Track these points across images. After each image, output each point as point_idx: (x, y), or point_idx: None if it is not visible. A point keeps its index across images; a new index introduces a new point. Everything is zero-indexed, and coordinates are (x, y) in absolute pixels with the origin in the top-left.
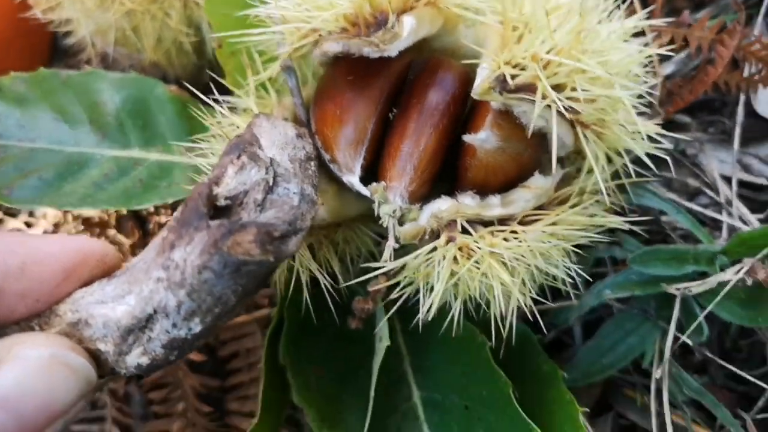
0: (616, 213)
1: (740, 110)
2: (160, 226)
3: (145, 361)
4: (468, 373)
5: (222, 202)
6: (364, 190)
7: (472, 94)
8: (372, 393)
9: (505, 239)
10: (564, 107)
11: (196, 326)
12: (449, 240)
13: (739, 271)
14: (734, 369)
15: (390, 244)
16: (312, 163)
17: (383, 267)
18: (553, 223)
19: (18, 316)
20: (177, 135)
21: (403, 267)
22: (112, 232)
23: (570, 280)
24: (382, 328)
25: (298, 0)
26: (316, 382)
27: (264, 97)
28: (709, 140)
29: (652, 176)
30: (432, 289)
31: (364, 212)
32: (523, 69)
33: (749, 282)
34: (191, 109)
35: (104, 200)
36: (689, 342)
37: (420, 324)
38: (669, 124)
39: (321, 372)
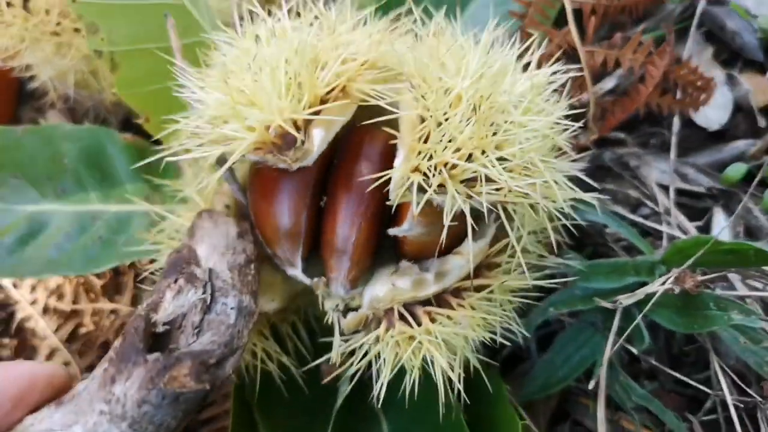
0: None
1: (676, 122)
2: (130, 266)
3: None
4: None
5: (161, 329)
6: (308, 281)
7: (390, 202)
8: None
9: (441, 323)
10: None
11: None
12: (388, 328)
13: (665, 282)
14: (678, 375)
15: (336, 341)
16: (252, 267)
17: (334, 353)
18: (484, 297)
19: None
20: (135, 182)
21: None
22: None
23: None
24: (343, 383)
25: (209, 117)
26: (285, 420)
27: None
28: (650, 152)
29: (596, 191)
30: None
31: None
32: (433, 174)
33: (677, 291)
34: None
35: (65, 264)
36: (634, 350)
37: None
38: (604, 140)
39: (290, 410)
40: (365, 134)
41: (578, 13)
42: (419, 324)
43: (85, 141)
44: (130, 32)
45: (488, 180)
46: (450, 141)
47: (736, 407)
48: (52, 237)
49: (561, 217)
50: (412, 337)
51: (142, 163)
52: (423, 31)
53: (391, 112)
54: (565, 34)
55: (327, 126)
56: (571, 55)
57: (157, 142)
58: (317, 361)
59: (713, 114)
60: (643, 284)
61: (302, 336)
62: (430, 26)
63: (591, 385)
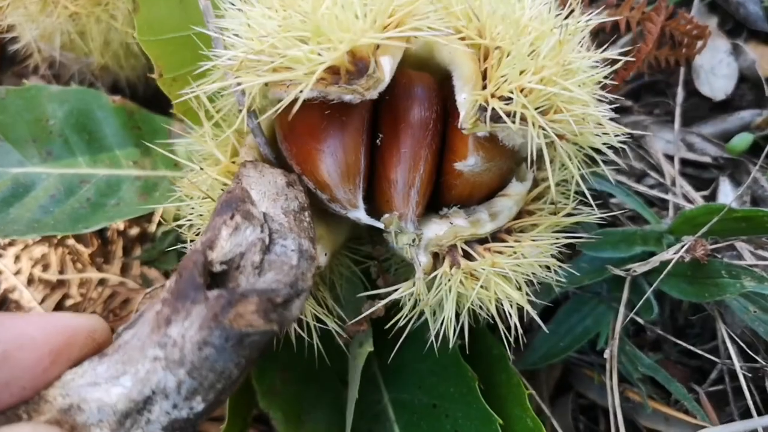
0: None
1: (680, 91)
2: (119, 233)
3: None
4: (436, 371)
5: (218, 268)
6: (376, 224)
7: (460, 128)
8: (355, 394)
9: (504, 253)
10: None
11: (198, 405)
12: (453, 265)
13: (679, 250)
14: (686, 345)
15: (419, 277)
16: (306, 214)
17: (385, 296)
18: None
19: (4, 405)
20: (124, 146)
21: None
22: (70, 242)
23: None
24: (366, 337)
25: (262, 47)
26: (281, 385)
27: (219, 133)
28: (655, 122)
29: (603, 162)
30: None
31: (350, 235)
32: (509, 100)
33: (687, 259)
34: (137, 119)
35: (51, 225)
36: (641, 321)
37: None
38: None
39: (286, 375)
40: (413, 78)
41: None
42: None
43: (71, 103)
44: None
45: (557, 111)
46: (522, 70)
47: (745, 375)
48: (39, 199)
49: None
50: (474, 276)
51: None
52: None
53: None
54: None
55: (393, 54)
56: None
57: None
58: (366, 312)
59: (718, 83)
60: (651, 254)
61: (326, 295)
62: None
63: (606, 354)
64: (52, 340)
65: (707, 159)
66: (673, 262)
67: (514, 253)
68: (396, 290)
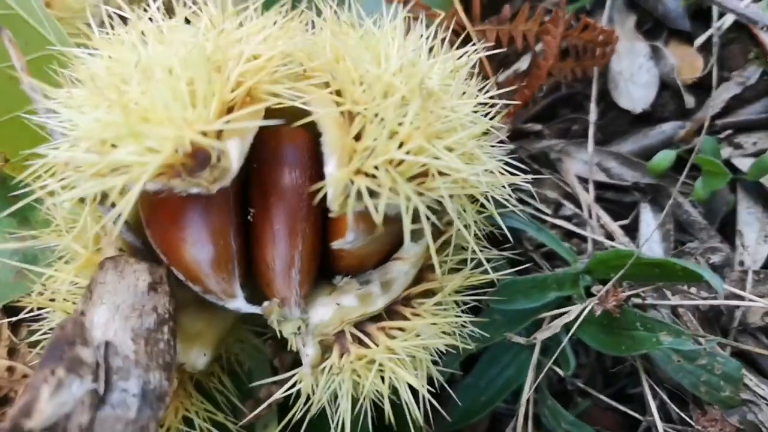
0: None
1: (593, 108)
2: (4, 309)
3: None
4: None
5: None
6: (256, 311)
7: (330, 214)
8: None
9: (400, 337)
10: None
11: None
12: (342, 353)
13: (591, 301)
14: (607, 399)
15: (306, 372)
16: (166, 329)
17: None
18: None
19: None
20: None
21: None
22: None
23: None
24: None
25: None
26: None
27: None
28: (570, 143)
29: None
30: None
31: (237, 319)
32: (375, 176)
33: (599, 312)
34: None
35: None
36: (560, 373)
37: None
38: (519, 132)
39: None
40: (283, 137)
41: None
42: (376, 344)
43: None
44: None
45: (440, 174)
46: (391, 136)
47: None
48: None
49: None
50: (371, 361)
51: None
52: (319, 21)
53: (307, 113)
54: (453, 14)
55: (242, 135)
56: (465, 38)
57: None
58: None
59: (638, 93)
60: (568, 298)
61: (227, 385)
62: (325, 14)
63: (519, 413)
64: None
65: (626, 183)
66: (585, 312)
67: (412, 331)
68: (287, 387)
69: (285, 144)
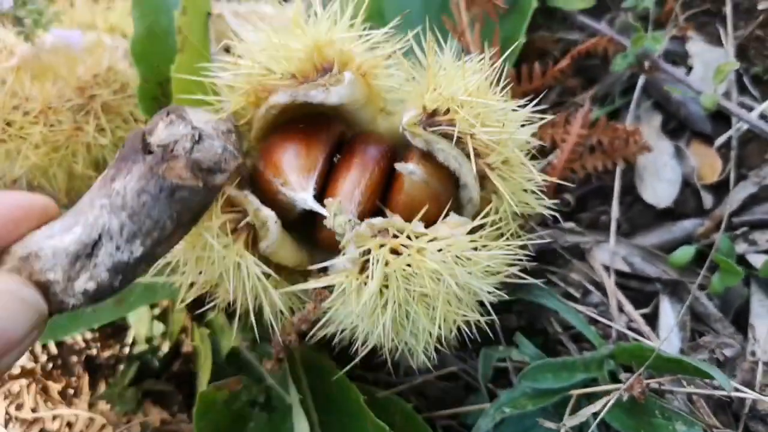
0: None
1: (615, 206)
2: (86, 368)
3: (91, 286)
4: None
5: (154, 149)
6: (320, 209)
7: (401, 127)
8: None
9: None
10: (475, 147)
11: (137, 249)
12: (382, 244)
13: (618, 385)
14: None
15: (350, 252)
16: (232, 135)
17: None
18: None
19: None
20: None
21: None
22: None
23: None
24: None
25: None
26: None
27: None
28: (598, 233)
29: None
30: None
31: (299, 265)
32: (445, 111)
33: (626, 397)
34: None
35: None
36: None
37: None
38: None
39: None
40: (370, 138)
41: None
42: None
43: None
44: None
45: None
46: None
47: None
48: None
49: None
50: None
51: None
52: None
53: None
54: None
55: (354, 77)
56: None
57: None
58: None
59: (662, 189)
60: (594, 380)
61: None
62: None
63: None
64: (12, 213)
65: (649, 275)
66: (614, 398)
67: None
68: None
69: (371, 142)
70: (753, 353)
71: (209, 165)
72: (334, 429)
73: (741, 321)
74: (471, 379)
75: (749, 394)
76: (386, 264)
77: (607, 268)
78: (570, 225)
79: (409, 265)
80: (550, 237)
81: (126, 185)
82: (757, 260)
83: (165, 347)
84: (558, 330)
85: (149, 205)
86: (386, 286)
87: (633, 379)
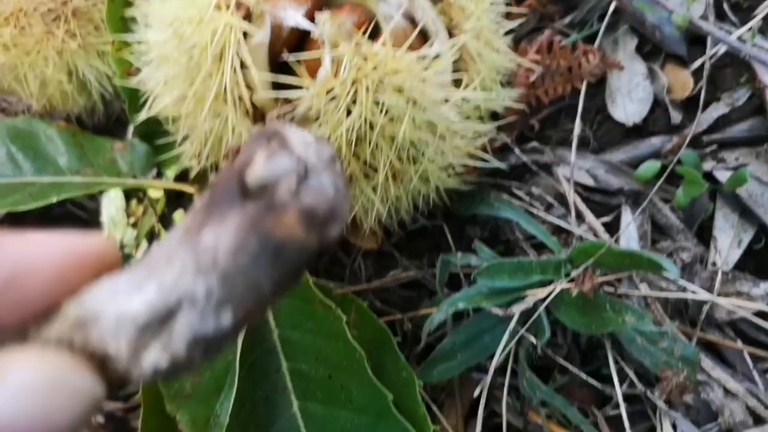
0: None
1: (577, 123)
2: None
3: (163, 362)
4: (330, 344)
5: (253, 189)
6: (307, 23)
7: None
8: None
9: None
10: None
11: (226, 319)
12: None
13: (563, 283)
14: (578, 372)
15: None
16: (338, 164)
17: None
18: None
19: (10, 326)
20: (68, 160)
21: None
22: None
23: None
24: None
25: None
26: (191, 387)
27: None
28: (567, 149)
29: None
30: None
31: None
32: None
33: (575, 292)
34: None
35: None
36: (534, 342)
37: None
38: (523, 138)
39: (197, 378)
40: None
41: None
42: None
43: (19, 130)
44: None
45: None
46: None
47: (633, 401)
48: None
49: None
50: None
51: None
52: None
53: None
54: None
55: None
56: None
57: None
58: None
59: (632, 108)
60: (550, 282)
61: None
62: None
63: (488, 375)
64: (63, 261)
65: (612, 188)
66: (556, 291)
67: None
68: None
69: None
70: (714, 263)
71: (325, 213)
72: (283, 312)
73: (705, 235)
74: (432, 288)
75: (702, 295)
76: (358, 69)
77: (568, 180)
78: (534, 144)
79: (376, 69)
80: (518, 154)
81: (218, 240)
82: (724, 177)
83: None
84: (519, 238)
85: (246, 266)
86: (354, 102)
87: (581, 270)
